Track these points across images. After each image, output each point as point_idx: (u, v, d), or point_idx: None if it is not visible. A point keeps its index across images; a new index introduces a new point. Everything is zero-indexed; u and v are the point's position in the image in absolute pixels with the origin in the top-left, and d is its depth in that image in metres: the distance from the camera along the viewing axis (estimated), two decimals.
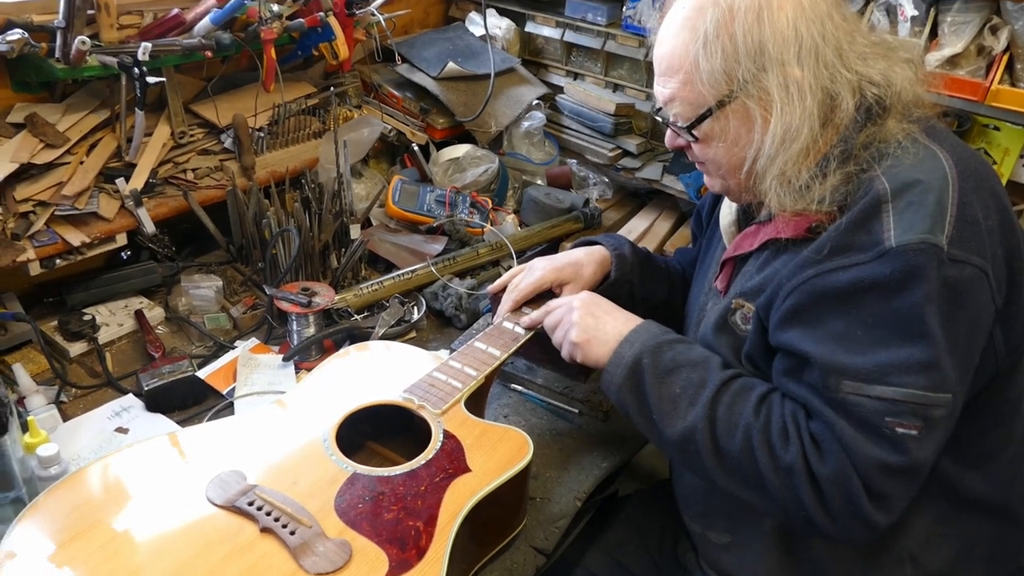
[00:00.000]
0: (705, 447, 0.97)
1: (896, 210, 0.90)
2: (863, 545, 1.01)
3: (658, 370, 1.04)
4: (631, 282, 1.33)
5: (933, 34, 1.51)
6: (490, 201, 1.91)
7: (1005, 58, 1.45)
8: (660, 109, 1.08)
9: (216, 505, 0.95)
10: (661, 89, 1.05)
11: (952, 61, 1.48)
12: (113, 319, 1.50)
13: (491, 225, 1.83)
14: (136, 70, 1.37)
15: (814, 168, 0.96)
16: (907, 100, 0.97)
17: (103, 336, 1.46)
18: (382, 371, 1.24)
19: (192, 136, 1.65)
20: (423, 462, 1.04)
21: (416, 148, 1.95)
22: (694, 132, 1.03)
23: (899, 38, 1.49)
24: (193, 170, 1.62)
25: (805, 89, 0.94)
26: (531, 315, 1.26)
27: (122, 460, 1.02)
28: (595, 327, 1.12)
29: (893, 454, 0.88)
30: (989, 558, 1.04)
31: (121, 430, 1.28)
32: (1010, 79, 1.47)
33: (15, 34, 1.29)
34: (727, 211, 1.18)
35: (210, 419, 1.31)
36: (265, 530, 0.92)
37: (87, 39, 1.31)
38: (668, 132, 1.09)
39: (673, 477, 1.27)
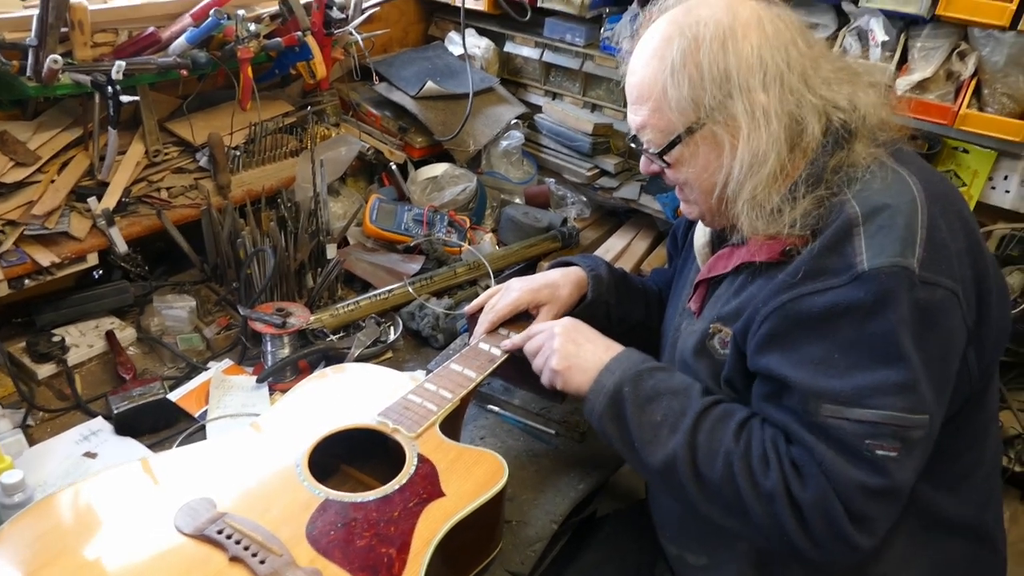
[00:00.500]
0: (686, 474, 0.98)
1: (867, 234, 0.91)
2: (842, 568, 1.01)
3: (639, 398, 1.04)
4: (608, 303, 1.34)
5: (903, 59, 1.54)
6: (468, 220, 1.91)
7: (973, 83, 1.48)
8: (635, 136, 1.09)
9: (184, 534, 0.93)
10: (633, 117, 1.06)
11: (922, 85, 1.51)
12: (83, 340, 1.47)
13: (469, 244, 1.83)
14: (110, 88, 1.36)
15: (784, 192, 0.97)
16: (872, 124, 0.99)
17: (73, 357, 1.43)
18: (357, 393, 1.23)
19: (167, 154, 1.63)
20: (396, 487, 1.03)
21: (394, 167, 1.95)
22: (665, 158, 1.04)
23: (865, 63, 1.52)
24: (167, 189, 1.60)
25: (771, 114, 0.96)
26: (512, 339, 1.25)
27: (89, 488, 1.00)
28: (576, 354, 1.12)
29: (873, 476, 0.88)
30: None
31: (89, 455, 1.25)
32: (978, 103, 1.50)
33: None
34: (700, 233, 1.19)
35: (181, 443, 1.29)
36: (234, 559, 0.90)
37: (59, 58, 1.30)
38: (642, 158, 1.10)
39: (649, 499, 1.27)
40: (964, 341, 0.94)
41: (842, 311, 0.90)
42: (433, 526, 0.98)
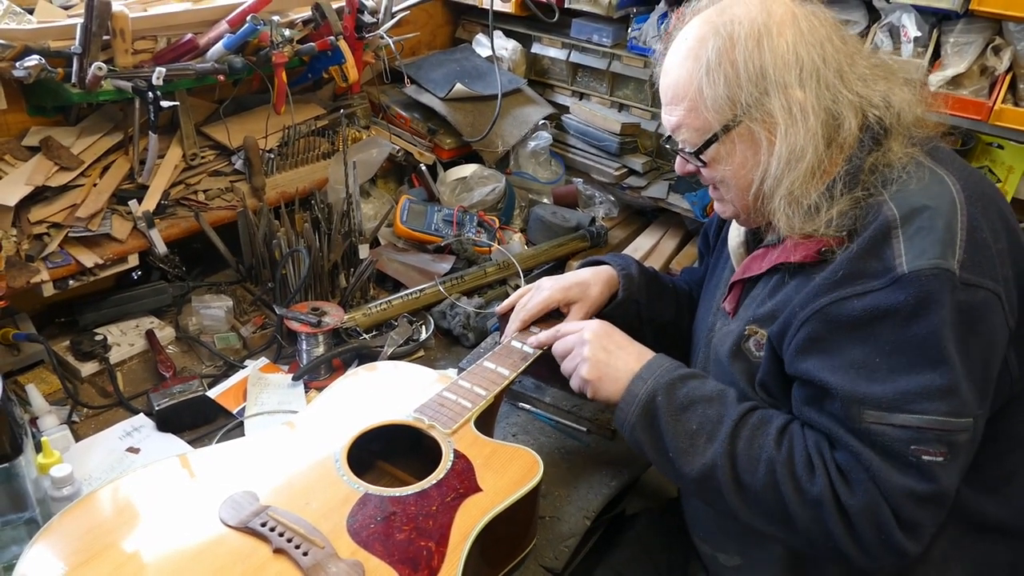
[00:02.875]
0: (727, 483, 0.97)
1: (906, 236, 0.91)
2: (884, 572, 1.00)
3: (673, 407, 1.03)
4: (638, 302, 1.34)
5: (936, 55, 1.52)
6: (497, 220, 1.93)
7: (1008, 78, 1.46)
8: (669, 137, 1.09)
9: (229, 526, 0.95)
10: (668, 117, 1.07)
11: (955, 81, 1.50)
12: (124, 339, 1.51)
13: (498, 244, 1.84)
14: (150, 94, 1.39)
15: (822, 190, 0.97)
16: (908, 121, 0.99)
17: (114, 356, 1.47)
18: (391, 391, 1.25)
19: (203, 158, 1.67)
20: (434, 482, 1.04)
21: (424, 168, 1.97)
22: (701, 157, 1.04)
23: (899, 59, 1.50)
24: (204, 191, 1.64)
25: (808, 110, 0.96)
26: (539, 335, 1.26)
27: (134, 482, 1.03)
28: (607, 363, 1.11)
29: (921, 482, 0.88)
30: None
31: (132, 450, 1.28)
32: (1013, 98, 1.48)
33: (32, 60, 1.31)
34: (735, 232, 1.19)
35: (221, 439, 1.32)
36: (278, 551, 0.92)
37: (103, 65, 1.33)
38: (678, 158, 1.10)
39: (682, 498, 1.27)
40: (1005, 343, 0.93)
41: (883, 314, 0.89)
42: (471, 520, 0.99)
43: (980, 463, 0.97)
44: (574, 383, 1.15)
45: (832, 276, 0.93)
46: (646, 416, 1.04)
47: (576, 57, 2.10)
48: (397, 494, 1.02)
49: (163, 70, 1.38)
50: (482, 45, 2.21)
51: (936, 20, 1.51)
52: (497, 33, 2.19)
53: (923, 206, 0.92)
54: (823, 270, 0.95)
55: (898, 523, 0.88)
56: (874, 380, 0.90)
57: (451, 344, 1.62)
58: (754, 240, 1.16)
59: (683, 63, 1.02)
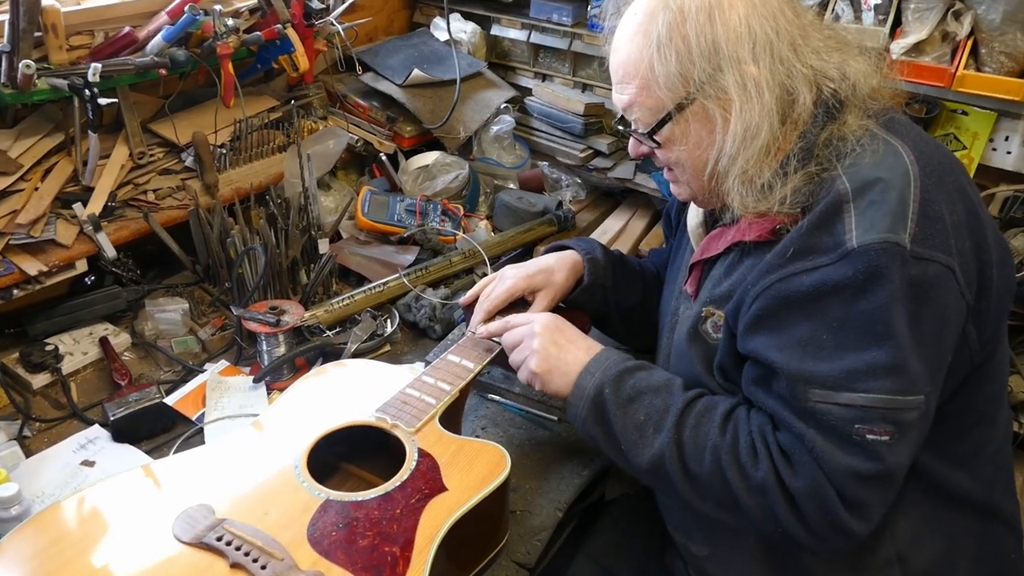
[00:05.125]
0: (675, 472, 0.96)
1: (857, 210, 0.88)
2: (849, 549, 0.99)
3: (620, 399, 1.02)
4: (604, 286, 1.31)
5: (897, 22, 1.50)
6: (462, 208, 1.89)
7: (969, 43, 1.45)
8: (621, 118, 1.06)
9: (183, 542, 0.92)
10: (620, 96, 1.03)
11: (917, 48, 1.48)
12: (77, 348, 1.46)
13: (463, 232, 1.81)
14: (87, 92, 1.33)
15: (776, 167, 0.94)
16: (864, 93, 0.96)
17: (67, 366, 1.42)
18: (354, 390, 1.21)
19: (152, 156, 1.61)
20: (397, 484, 1.01)
21: (384, 157, 1.92)
22: (655, 137, 1.01)
23: (854, 29, 1.48)
24: (154, 191, 1.58)
25: (763, 86, 0.93)
26: (489, 325, 1.22)
27: (86, 499, 0.99)
28: (557, 356, 1.09)
29: (865, 461, 0.86)
30: (976, 555, 1.03)
31: (87, 463, 1.24)
32: (975, 64, 1.46)
33: None
34: (694, 213, 1.17)
35: (179, 446, 1.28)
36: (235, 566, 0.89)
37: (32, 63, 1.27)
38: (631, 141, 1.07)
39: None
40: (962, 317, 0.91)
41: (830, 290, 0.87)
42: (436, 522, 0.96)
43: (947, 437, 0.96)
44: (522, 375, 1.13)
45: (783, 252, 0.91)
46: (595, 410, 1.03)
47: (537, 38, 2.05)
48: (359, 499, 0.98)
49: (99, 66, 1.32)
50: (440, 29, 2.15)
51: None
52: (455, 16, 2.13)
53: (876, 179, 0.89)
54: (776, 247, 0.93)
55: (843, 504, 0.87)
56: (820, 358, 0.88)
57: (418, 337, 1.59)
58: (712, 221, 1.14)
59: (633, 39, 0.98)
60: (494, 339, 1.23)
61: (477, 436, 1.32)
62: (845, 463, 0.86)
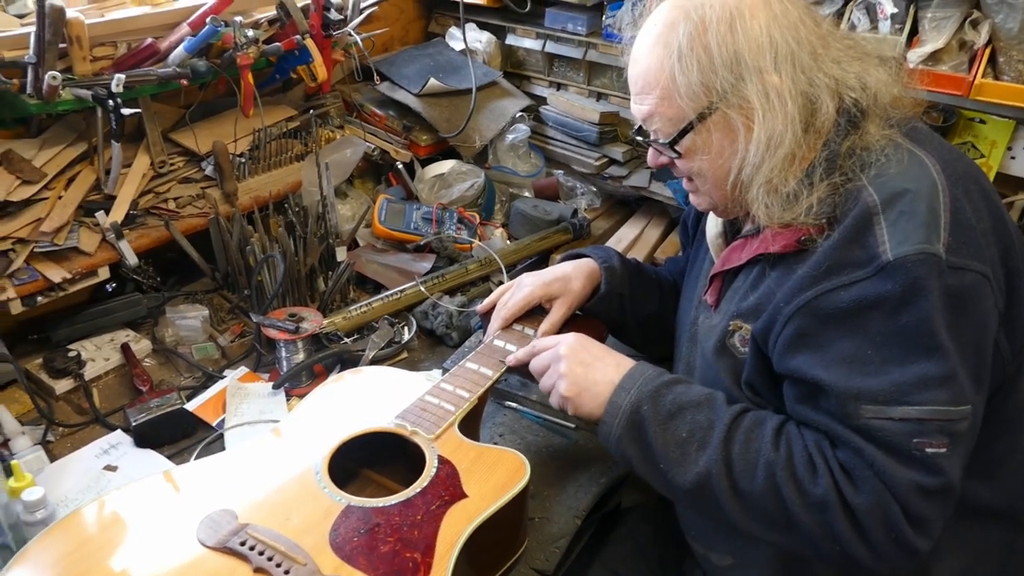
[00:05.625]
0: (723, 491, 0.93)
1: (888, 221, 0.88)
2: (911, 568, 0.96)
3: (660, 415, 0.98)
4: (621, 294, 1.31)
5: (914, 31, 1.50)
6: (478, 216, 1.90)
7: (987, 51, 1.44)
8: (640, 129, 1.06)
9: (207, 547, 0.92)
10: (639, 107, 1.03)
11: (934, 57, 1.48)
12: (99, 354, 1.47)
13: (479, 240, 1.82)
14: (111, 102, 1.35)
15: (800, 176, 0.94)
16: (885, 102, 0.96)
17: (89, 372, 1.43)
18: (374, 396, 1.22)
19: (172, 165, 1.63)
20: (418, 490, 1.02)
21: (400, 166, 1.94)
22: (676, 148, 1.01)
23: (873, 38, 1.48)
24: (175, 199, 1.60)
25: (785, 95, 0.93)
26: (516, 353, 1.20)
27: (110, 504, 1.00)
28: (584, 377, 1.06)
29: (928, 475, 0.85)
30: (1002, 567, 1.02)
31: (110, 468, 1.25)
32: (993, 72, 1.46)
33: None
34: (713, 223, 1.17)
35: (200, 452, 1.29)
36: (259, 570, 0.90)
37: (58, 74, 1.29)
38: (650, 151, 1.07)
39: None
40: (996, 325, 0.91)
41: (871, 304, 0.87)
42: (457, 528, 0.97)
43: (973, 448, 0.95)
44: (554, 401, 1.11)
45: (816, 268, 0.90)
46: (632, 428, 0.99)
47: (551, 47, 2.06)
48: (380, 505, 0.99)
49: (122, 76, 1.34)
50: (456, 38, 2.17)
51: None
52: (471, 25, 2.15)
53: (903, 189, 0.89)
54: (804, 261, 0.93)
55: (907, 520, 0.85)
56: (868, 373, 0.87)
57: (435, 344, 1.59)
58: (732, 231, 1.13)
59: (653, 50, 0.98)
60: (519, 365, 1.20)
61: (495, 443, 1.33)
62: (908, 478, 0.85)
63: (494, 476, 1.05)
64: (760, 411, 0.99)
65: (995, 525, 1.01)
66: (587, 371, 1.07)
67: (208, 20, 1.43)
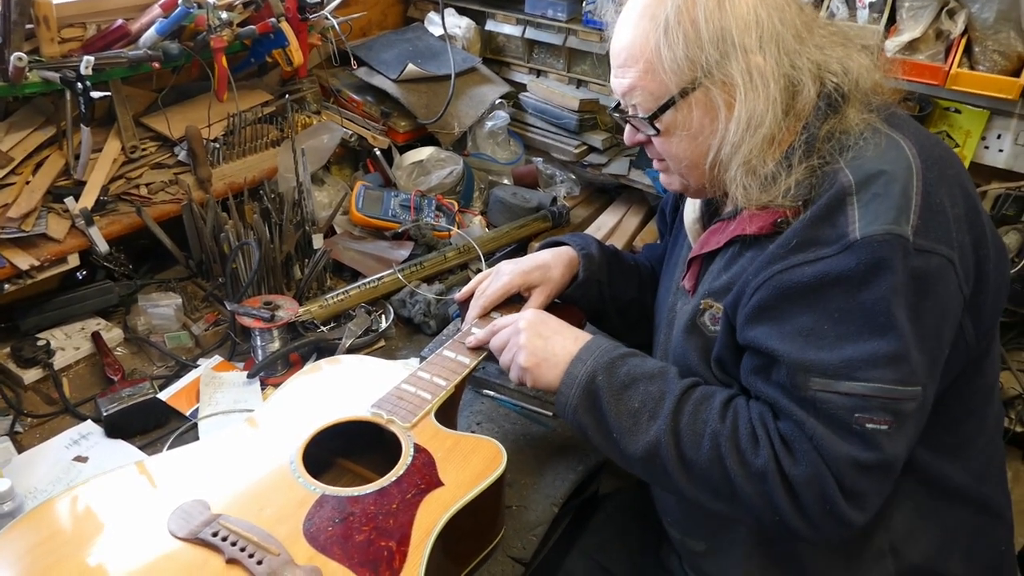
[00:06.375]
0: (671, 460, 0.95)
1: (861, 202, 0.89)
2: (843, 541, 0.99)
3: (614, 386, 1.00)
4: (600, 281, 1.31)
5: (892, 20, 1.51)
6: (456, 203, 1.88)
7: (963, 41, 1.45)
8: (618, 104, 1.06)
9: (179, 538, 0.91)
10: (620, 80, 1.02)
11: (911, 46, 1.48)
12: (69, 342, 1.45)
13: (458, 228, 1.80)
14: (79, 85, 1.32)
15: (780, 158, 0.95)
16: (865, 88, 0.97)
17: (59, 361, 1.41)
18: (350, 385, 1.21)
19: (144, 150, 1.59)
20: (393, 479, 1.01)
21: (378, 152, 1.92)
22: (655, 124, 1.01)
23: (856, 26, 1.48)
24: (147, 185, 1.57)
25: (768, 75, 0.93)
26: (476, 335, 1.21)
27: (80, 496, 0.98)
28: (544, 348, 1.07)
29: (865, 450, 0.86)
30: (969, 547, 1.04)
31: (80, 459, 1.23)
32: (969, 62, 1.47)
33: None
34: (691, 208, 1.17)
35: (173, 442, 1.27)
36: (231, 561, 0.88)
37: (23, 55, 1.26)
38: (627, 127, 1.07)
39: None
40: (960, 310, 0.92)
41: (833, 280, 0.87)
42: (432, 516, 0.96)
43: (940, 429, 0.97)
44: (513, 374, 1.12)
45: (786, 244, 0.91)
46: (588, 397, 1.01)
47: (531, 33, 2.05)
48: (355, 494, 0.98)
49: (91, 59, 1.31)
50: (435, 24, 2.15)
51: None
52: (450, 11, 2.13)
53: (879, 171, 0.90)
54: (778, 239, 0.93)
55: (842, 492, 0.87)
56: (821, 347, 0.88)
57: (412, 333, 1.58)
58: (709, 215, 1.14)
59: (639, 22, 0.98)
60: (481, 346, 1.21)
61: (472, 431, 1.32)
62: (845, 451, 0.86)
63: (470, 464, 1.04)
64: (710, 386, 1.00)
65: (964, 507, 1.03)
66: (546, 343, 1.08)
67: (180, 1, 1.40)
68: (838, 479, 0.87)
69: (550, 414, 1.37)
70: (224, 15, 1.50)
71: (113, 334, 1.48)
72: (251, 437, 1.10)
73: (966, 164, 1.54)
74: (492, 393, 1.41)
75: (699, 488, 0.95)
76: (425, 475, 1.02)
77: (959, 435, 1.01)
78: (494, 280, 1.30)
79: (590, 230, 1.93)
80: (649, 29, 0.96)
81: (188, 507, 0.95)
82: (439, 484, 1.01)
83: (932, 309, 0.89)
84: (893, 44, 1.47)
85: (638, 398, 0.99)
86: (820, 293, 0.88)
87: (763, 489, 0.90)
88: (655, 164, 1.10)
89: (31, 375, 1.37)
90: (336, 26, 1.76)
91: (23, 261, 1.35)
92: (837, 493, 0.87)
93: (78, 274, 1.55)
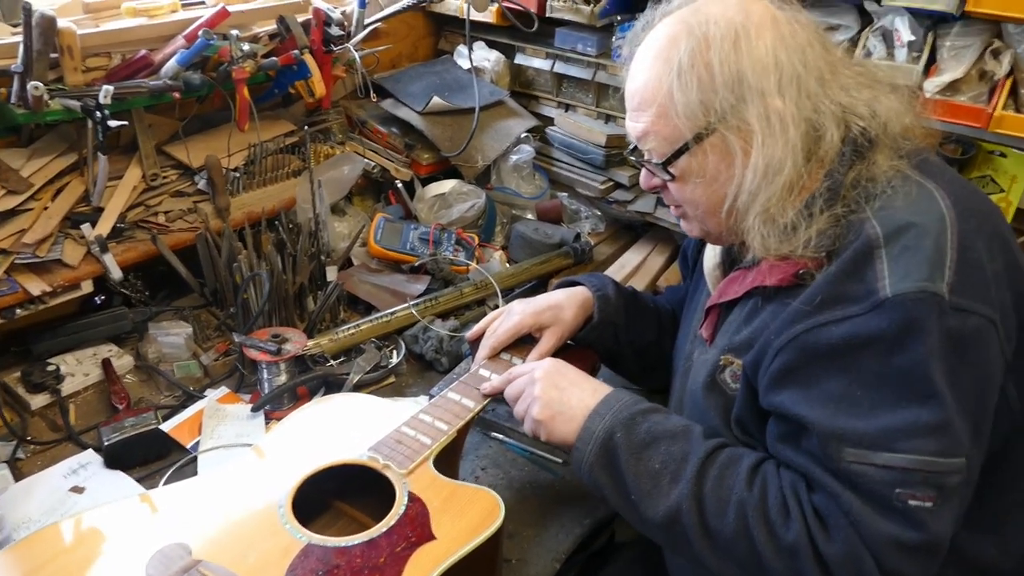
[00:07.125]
0: (693, 528, 0.88)
1: (890, 256, 0.82)
2: None
3: (633, 444, 0.94)
4: (615, 324, 1.26)
5: (932, 60, 1.44)
6: (476, 238, 1.85)
7: (1008, 83, 1.38)
8: (634, 148, 1.02)
9: None
10: (634, 124, 0.99)
11: (953, 87, 1.41)
12: (79, 368, 1.44)
13: (477, 263, 1.77)
14: (98, 113, 1.32)
15: (800, 207, 0.89)
16: (895, 132, 0.91)
17: (68, 387, 1.40)
18: (350, 425, 1.17)
19: (165, 178, 1.60)
20: (384, 530, 0.96)
21: (400, 184, 1.90)
22: (670, 169, 0.96)
23: (887, 66, 1.42)
24: (165, 213, 1.57)
25: (787, 120, 0.88)
26: (492, 382, 1.16)
27: (63, 532, 0.95)
28: (559, 400, 1.02)
29: (907, 530, 0.79)
30: None
31: (77, 489, 1.21)
32: (1015, 104, 1.39)
33: None
34: (711, 254, 1.11)
35: (171, 476, 1.25)
36: None
37: (40, 84, 1.27)
38: (643, 172, 1.03)
39: None
40: (1001, 374, 0.85)
41: (863, 342, 0.81)
42: (422, 573, 0.91)
43: (976, 502, 0.88)
44: (527, 426, 1.07)
45: (810, 301, 0.85)
46: (605, 455, 0.95)
47: (560, 67, 2.02)
48: (342, 544, 0.93)
49: (111, 88, 1.32)
50: (464, 56, 2.14)
51: (931, 23, 1.43)
52: (480, 44, 2.12)
53: (909, 223, 0.84)
54: (801, 294, 0.87)
55: (881, 574, 0.79)
56: (855, 415, 0.81)
57: (424, 369, 1.54)
58: (730, 262, 1.08)
59: (652, 65, 0.94)
60: (495, 394, 1.16)
61: (476, 476, 1.27)
62: (885, 530, 0.79)
63: (466, 517, 0.99)
64: (738, 448, 0.94)
65: None
66: (562, 395, 1.03)
67: (200, 33, 1.41)
68: (878, 560, 0.79)
69: (560, 460, 1.31)
70: (247, 47, 1.50)
71: (124, 361, 1.47)
72: (243, 476, 1.07)
73: (1011, 210, 1.45)
74: (501, 436, 1.36)
75: (723, 560, 0.88)
76: (417, 527, 0.97)
77: (999, 507, 0.93)
78: (505, 320, 1.26)
79: (614, 268, 1.88)
80: (663, 72, 0.92)
81: (168, 551, 0.92)
82: (431, 538, 0.96)
83: (972, 373, 0.82)
84: (933, 85, 1.41)
85: (659, 458, 0.92)
86: (850, 356, 0.82)
87: (794, 566, 0.83)
88: (672, 210, 1.05)
89: (39, 400, 1.37)
90: (358, 59, 1.76)
91: (35, 287, 1.35)
92: (876, 574, 0.79)
93: (96, 299, 1.55)
